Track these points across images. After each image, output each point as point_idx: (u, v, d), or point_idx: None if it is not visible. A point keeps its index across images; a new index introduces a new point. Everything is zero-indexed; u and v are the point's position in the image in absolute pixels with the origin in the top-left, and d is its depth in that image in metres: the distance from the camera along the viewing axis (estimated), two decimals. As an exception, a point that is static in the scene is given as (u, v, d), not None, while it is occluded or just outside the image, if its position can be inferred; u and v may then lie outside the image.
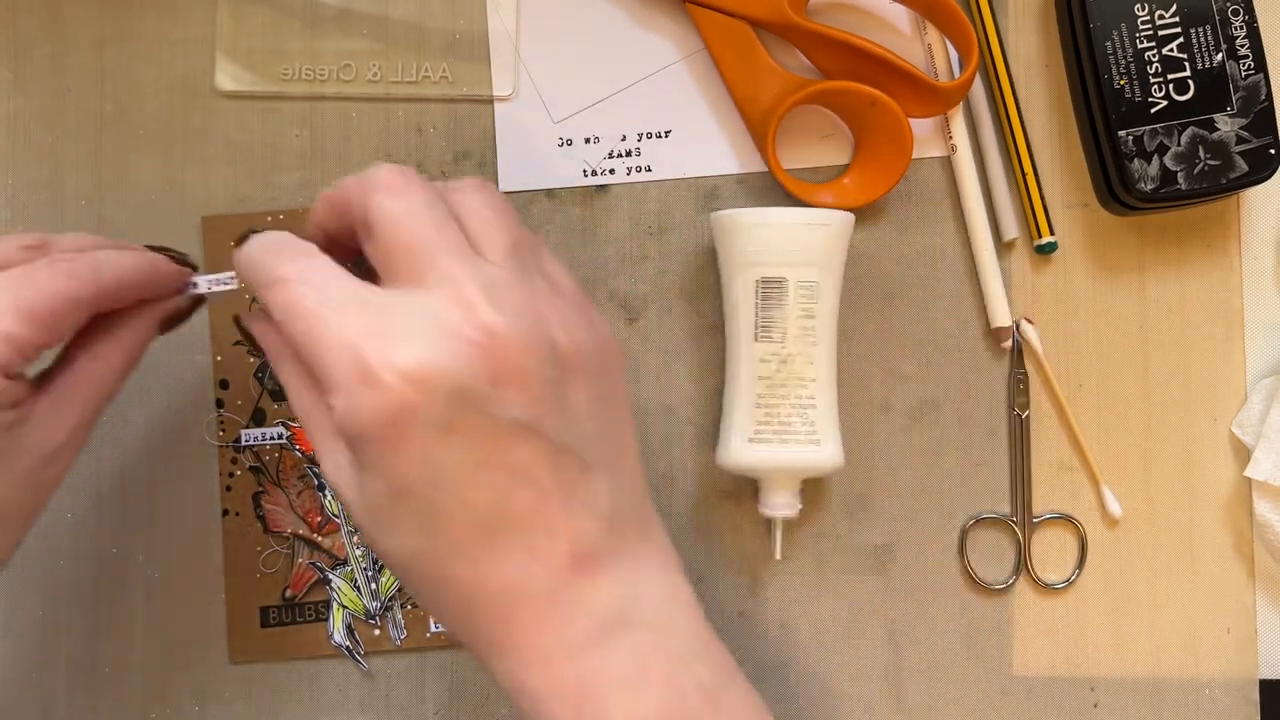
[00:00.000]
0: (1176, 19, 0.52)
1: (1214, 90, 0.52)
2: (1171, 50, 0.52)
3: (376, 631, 0.55)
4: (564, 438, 0.39)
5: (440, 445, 0.37)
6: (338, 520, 0.55)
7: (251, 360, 0.56)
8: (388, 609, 0.55)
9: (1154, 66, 0.52)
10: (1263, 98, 0.52)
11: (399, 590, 0.55)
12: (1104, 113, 0.53)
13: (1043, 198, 0.55)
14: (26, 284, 0.42)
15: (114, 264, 0.44)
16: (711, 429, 0.56)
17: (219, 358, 0.56)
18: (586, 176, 0.56)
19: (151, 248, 0.47)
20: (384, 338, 0.37)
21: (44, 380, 0.44)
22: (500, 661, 0.40)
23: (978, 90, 0.56)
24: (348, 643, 0.55)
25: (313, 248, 0.42)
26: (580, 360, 0.40)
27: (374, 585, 0.55)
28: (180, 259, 0.48)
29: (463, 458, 0.38)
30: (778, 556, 0.54)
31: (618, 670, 0.39)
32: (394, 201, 0.40)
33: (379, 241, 0.40)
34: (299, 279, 0.40)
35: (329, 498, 0.55)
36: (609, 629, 0.39)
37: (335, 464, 0.40)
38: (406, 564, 0.40)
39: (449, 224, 0.40)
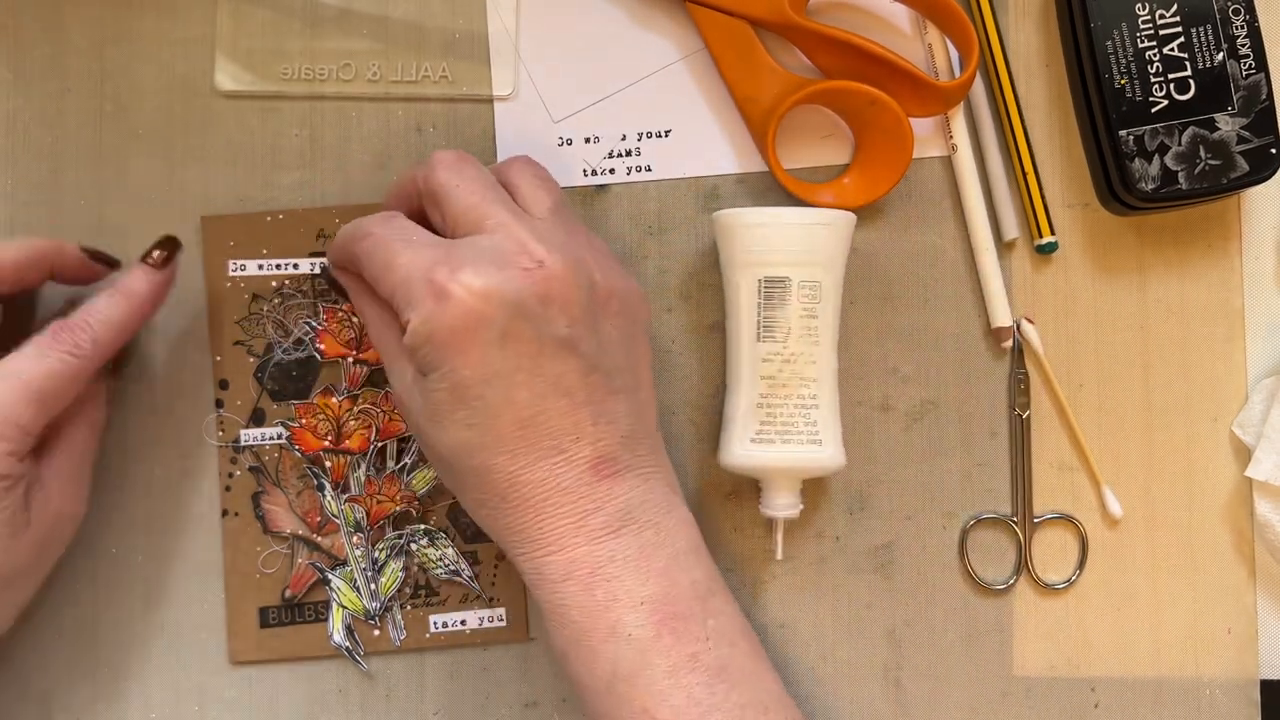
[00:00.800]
0: (1177, 18, 0.52)
1: (1215, 90, 0.52)
2: (1172, 50, 0.52)
3: (376, 632, 0.55)
4: (596, 360, 0.47)
5: (497, 350, 0.45)
6: (337, 520, 0.55)
7: (251, 360, 0.56)
8: (387, 609, 0.55)
9: (1155, 66, 0.52)
10: (1263, 97, 0.52)
11: (398, 591, 0.55)
12: (1104, 112, 0.53)
13: (1043, 197, 0.55)
14: None
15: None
16: (712, 429, 0.56)
17: (219, 358, 0.56)
18: (586, 176, 0.56)
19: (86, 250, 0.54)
20: (453, 265, 0.45)
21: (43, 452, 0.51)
22: (526, 548, 0.47)
23: (978, 90, 0.56)
24: (347, 643, 0.55)
25: (395, 213, 0.50)
26: (612, 300, 0.48)
27: (373, 586, 0.55)
28: (105, 259, 0.54)
29: (514, 364, 0.45)
30: (779, 556, 0.54)
31: (624, 557, 0.46)
32: (452, 173, 0.48)
33: (444, 206, 0.48)
34: (383, 231, 0.48)
35: (328, 498, 0.55)
36: (620, 524, 0.46)
37: (402, 379, 0.49)
38: (457, 455, 0.46)
39: (499, 188, 0.49)
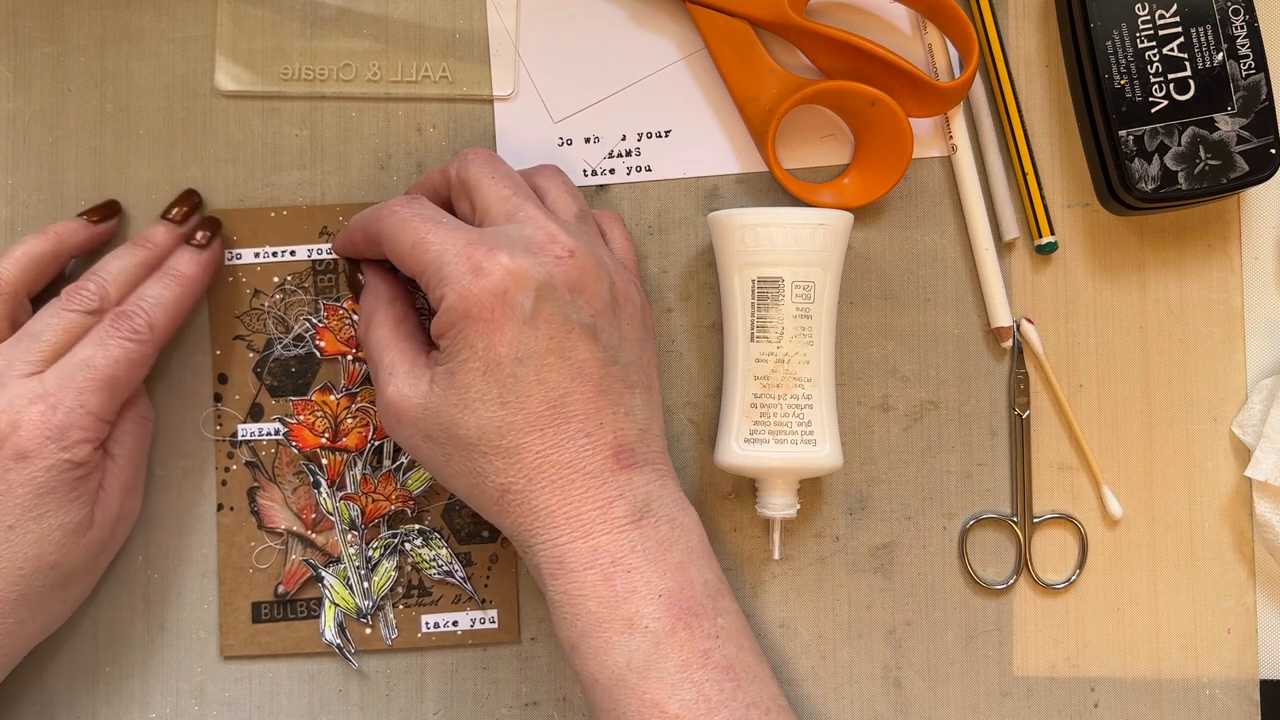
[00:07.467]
0: (1177, 19, 0.52)
1: (1214, 90, 0.52)
2: (1172, 50, 0.52)
3: (368, 630, 0.55)
4: (615, 353, 0.48)
5: (530, 329, 0.46)
6: (332, 518, 0.55)
7: (250, 355, 0.56)
8: (379, 608, 0.55)
9: (1154, 66, 0.52)
10: (1263, 97, 0.52)
11: (391, 590, 0.55)
12: (1104, 112, 0.53)
13: (1043, 198, 0.55)
14: None
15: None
16: (711, 429, 0.56)
17: (218, 352, 0.56)
18: (587, 176, 0.56)
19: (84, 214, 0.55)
20: (487, 245, 0.47)
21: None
22: (550, 534, 0.47)
23: (978, 90, 0.56)
24: (339, 640, 0.55)
25: (418, 195, 0.51)
26: (628, 303, 0.50)
27: (366, 584, 0.55)
28: (103, 212, 0.55)
29: (544, 345, 0.46)
30: (776, 556, 0.54)
31: (644, 549, 0.47)
32: (487, 166, 0.50)
33: (475, 196, 0.50)
34: (407, 209, 0.49)
35: (323, 495, 0.55)
36: (640, 514, 0.47)
37: (416, 380, 0.49)
38: (486, 436, 0.47)
39: (528, 188, 0.51)
